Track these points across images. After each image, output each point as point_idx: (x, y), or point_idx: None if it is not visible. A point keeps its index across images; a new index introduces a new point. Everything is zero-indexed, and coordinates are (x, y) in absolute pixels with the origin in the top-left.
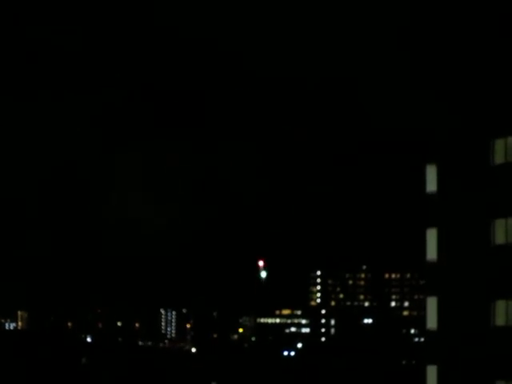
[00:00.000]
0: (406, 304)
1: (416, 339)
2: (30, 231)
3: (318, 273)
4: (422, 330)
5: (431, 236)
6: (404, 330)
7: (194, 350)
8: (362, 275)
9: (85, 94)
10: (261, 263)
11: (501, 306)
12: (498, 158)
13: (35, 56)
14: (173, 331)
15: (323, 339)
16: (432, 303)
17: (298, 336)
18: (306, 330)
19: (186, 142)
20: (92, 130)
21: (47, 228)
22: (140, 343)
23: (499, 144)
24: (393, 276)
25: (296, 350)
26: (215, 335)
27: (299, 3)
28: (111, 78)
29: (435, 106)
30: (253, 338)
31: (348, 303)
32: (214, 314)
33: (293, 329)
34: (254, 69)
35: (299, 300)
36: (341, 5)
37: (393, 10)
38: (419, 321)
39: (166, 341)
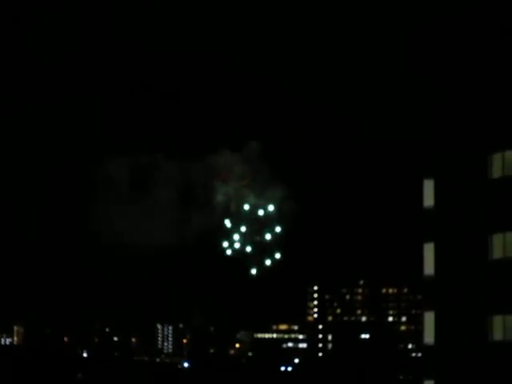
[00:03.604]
0: (404, 319)
1: (413, 354)
2: (28, 236)
3: (315, 288)
4: (420, 344)
5: (429, 251)
6: (401, 345)
7: (186, 364)
8: (360, 290)
9: (84, 94)
10: None
11: (498, 320)
12: (496, 172)
13: (35, 56)
14: (169, 346)
15: (320, 354)
16: (429, 318)
17: (295, 351)
18: (303, 346)
19: (185, 141)
20: (92, 130)
21: (46, 232)
22: (135, 358)
23: (496, 158)
24: (390, 291)
25: (293, 365)
26: (212, 350)
27: (299, 3)
28: (111, 78)
29: (434, 110)
30: (249, 353)
31: (345, 318)
32: (212, 328)
33: (290, 344)
34: (254, 69)
35: (296, 315)
36: (340, 5)
37: (393, 10)
38: (416, 336)
39: (162, 355)
